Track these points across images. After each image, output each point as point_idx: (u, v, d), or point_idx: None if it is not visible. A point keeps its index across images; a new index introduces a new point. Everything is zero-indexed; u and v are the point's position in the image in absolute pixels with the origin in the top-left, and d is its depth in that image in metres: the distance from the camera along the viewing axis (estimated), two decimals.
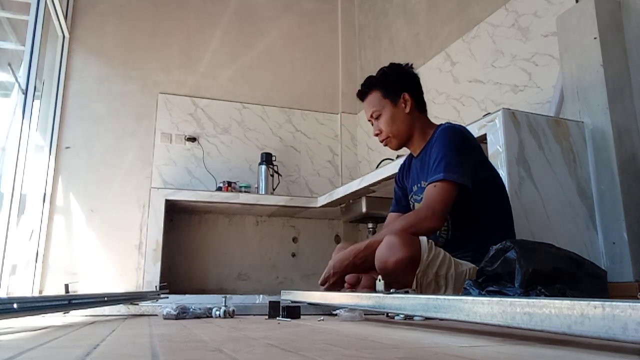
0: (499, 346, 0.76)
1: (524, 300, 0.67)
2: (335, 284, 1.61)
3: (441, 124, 1.67)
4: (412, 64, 1.76)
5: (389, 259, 1.37)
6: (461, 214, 1.56)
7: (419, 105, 1.73)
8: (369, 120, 1.77)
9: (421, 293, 1.37)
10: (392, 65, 1.76)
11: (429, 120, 1.75)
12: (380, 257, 1.40)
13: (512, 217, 1.59)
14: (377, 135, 1.74)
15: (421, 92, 1.74)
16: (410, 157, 1.81)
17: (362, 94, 1.76)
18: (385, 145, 1.74)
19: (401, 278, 1.38)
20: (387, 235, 1.42)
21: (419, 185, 1.70)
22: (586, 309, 0.54)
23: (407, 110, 1.68)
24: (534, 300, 0.65)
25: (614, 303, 0.52)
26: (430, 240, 1.41)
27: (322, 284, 1.63)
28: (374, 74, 1.77)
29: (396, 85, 1.70)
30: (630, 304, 0.49)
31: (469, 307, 0.78)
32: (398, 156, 2.62)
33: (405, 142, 1.72)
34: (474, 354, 0.66)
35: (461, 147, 1.53)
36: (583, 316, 0.54)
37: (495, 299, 0.73)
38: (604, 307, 0.52)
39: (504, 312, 0.69)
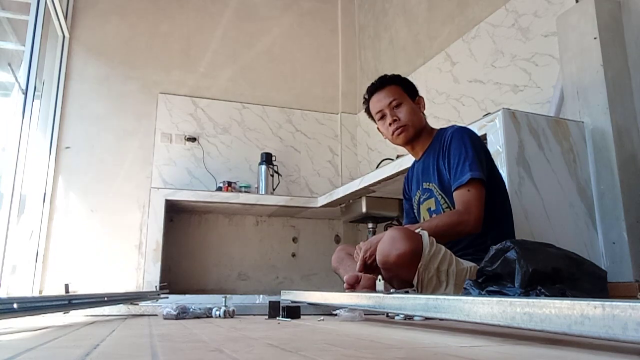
0: (499, 346, 0.76)
1: (524, 300, 0.67)
2: (372, 266, 1.51)
3: (443, 128, 1.71)
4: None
5: (391, 253, 1.38)
6: None
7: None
8: (380, 112, 1.72)
9: (422, 288, 1.38)
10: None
11: (432, 127, 1.80)
12: (382, 251, 1.40)
13: (512, 217, 1.60)
14: (393, 121, 1.69)
15: None
16: (412, 167, 1.82)
17: (382, 83, 1.74)
18: (399, 134, 1.69)
19: (403, 272, 1.38)
20: (389, 230, 1.43)
21: (421, 187, 1.71)
22: (586, 309, 0.54)
23: (423, 110, 1.76)
24: (534, 300, 0.65)
25: (614, 303, 0.52)
26: (431, 237, 1.41)
27: (361, 270, 1.53)
28: (374, 78, 1.81)
29: (413, 87, 1.78)
30: (630, 304, 0.49)
31: (469, 307, 0.78)
32: (398, 156, 2.62)
33: (417, 136, 1.72)
34: (474, 354, 0.66)
35: (478, 147, 1.57)
36: (583, 316, 0.54)
37: (495, 299, 0.73)
38: (604, 307, 0.52)
39: (504, 312, 0.69)
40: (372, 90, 1.77)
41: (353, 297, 1.38)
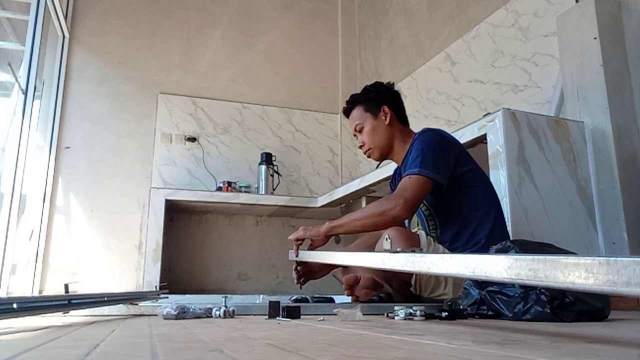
0: (499, 346, 0.76)
1: (529, 257, 0.66)
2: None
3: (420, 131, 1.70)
4: (393, 82, 1.82)
5: None
6: (445, 211, 1.59)
7: (400, 118, 1.76)
8: (354, 135, 1.81)
9: (421, 288, 1.38)
10: (374, 82, 1.83)
11: (411, 131, 1.78)
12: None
13: (501, 207, 1.59)
14: (360, 147, 1.78)
15: (402, 107, 1.78)
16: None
17: (346, 111, 1.81)
18: (369, 157, 1.78)
19: (401, 273, 1.39)
20: (387, 230, 1.43)
21: None
22: (591, 264, 0.56)
23: (387, 122, 1.72)
24: (540, 257, 0.64)
25: (618, 259, 0.53)
26: (429, 236, 1.42)
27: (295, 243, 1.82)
28: (356, 93, 1.82)
29: (376, 99, 1.75)
30: (635, 259, 0.50)
31: (474, 262, 0.77)
32: None
33: (386, 152, 1.75)
34: (474, 354, 0.66)
35: (437, 147, 1.55)
36: (587, 272, 0.55)
37: (501, 257, 0.72)
38: (609, 262, 0.53)
39: (509, 268, 0.69)
40: (345, 115, 1.83)
41: (364, 258, 1.33)
